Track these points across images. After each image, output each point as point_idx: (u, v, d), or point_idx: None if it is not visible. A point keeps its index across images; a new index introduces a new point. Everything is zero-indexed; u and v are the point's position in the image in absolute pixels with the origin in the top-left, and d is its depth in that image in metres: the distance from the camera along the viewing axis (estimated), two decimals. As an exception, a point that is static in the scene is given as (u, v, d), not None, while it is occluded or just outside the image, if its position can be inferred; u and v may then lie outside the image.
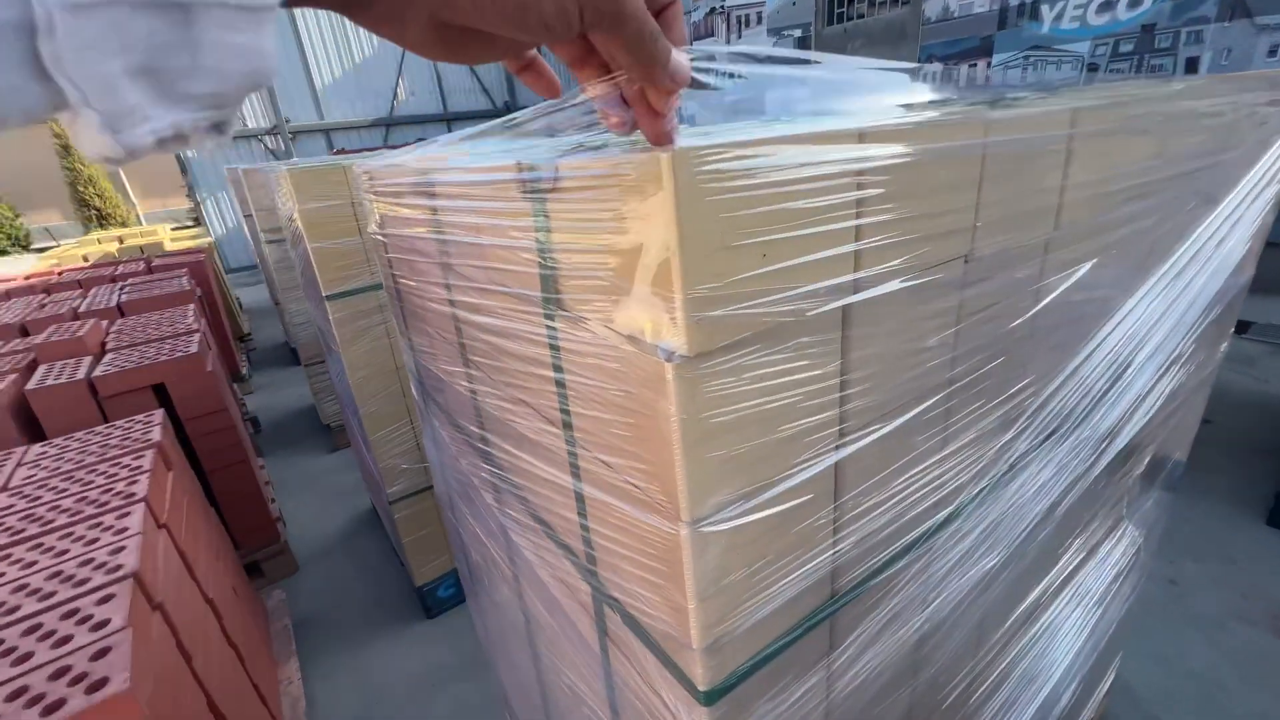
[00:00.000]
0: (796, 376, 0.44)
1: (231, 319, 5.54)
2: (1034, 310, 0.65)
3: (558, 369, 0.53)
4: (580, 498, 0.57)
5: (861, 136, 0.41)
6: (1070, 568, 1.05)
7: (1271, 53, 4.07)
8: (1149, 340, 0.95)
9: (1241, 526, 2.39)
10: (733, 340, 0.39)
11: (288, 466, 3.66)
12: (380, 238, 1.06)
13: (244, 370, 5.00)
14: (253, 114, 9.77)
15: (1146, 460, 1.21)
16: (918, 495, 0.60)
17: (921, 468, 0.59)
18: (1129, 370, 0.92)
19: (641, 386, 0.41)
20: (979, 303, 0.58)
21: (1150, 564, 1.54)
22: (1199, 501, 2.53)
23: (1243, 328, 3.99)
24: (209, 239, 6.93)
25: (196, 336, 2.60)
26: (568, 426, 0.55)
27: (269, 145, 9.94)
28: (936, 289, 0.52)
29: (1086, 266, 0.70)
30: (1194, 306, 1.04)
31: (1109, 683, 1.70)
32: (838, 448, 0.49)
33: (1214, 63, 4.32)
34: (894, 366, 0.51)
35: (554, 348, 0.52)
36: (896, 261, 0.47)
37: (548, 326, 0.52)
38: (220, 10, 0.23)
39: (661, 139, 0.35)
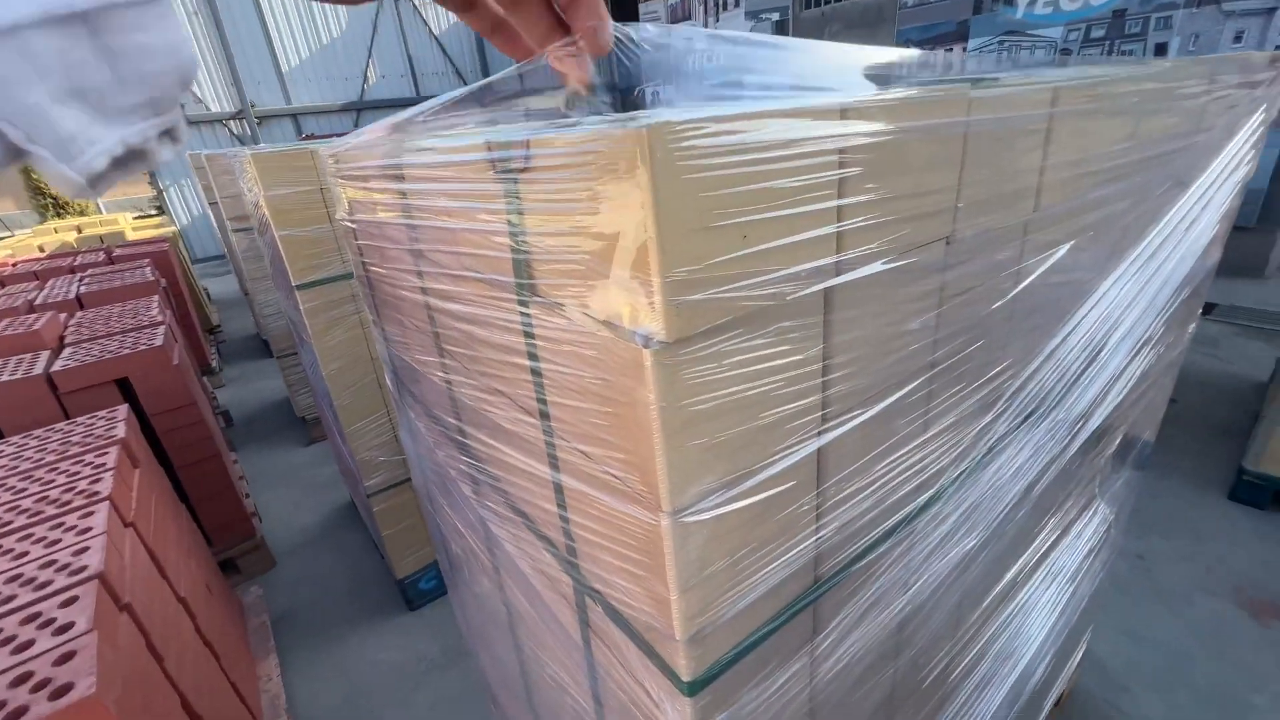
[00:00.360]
0: (778, 362, 0.43)
1: (199, 310, 5.38)
2: (1013, 292, 0.65)
3: (533, 357, 0.51)
4: (559, 489, 0.55)
5: (844, 113, 0.39)
6: (1045, 547, 1.07)
7: (1237, 38, 4.15)
8: (1122, 322, 0.96)
9: (1206, 502, 2.47)
10: (713, 325, 0.38)
11: (262, 461, 3.58)
12: (349, 224, 1.02)
13: (214, 363, 4.86)
14: (216, 98, 9.43)
15: (1118, 440, 1.24)
16: (900, 479, 0.59)
17: (903, 452, 0.59)
18: (1103, 352, 0.93)
19: (619, 374, 0.39)
20: (960, 285, 0.57)
21: (1120, 541, 1.58)
22: (1166, 479, 2.61)
23: (1207, 309, 4.11)
24: (173, 228, 6.72)
25: (161, 329, 2.51)
26: (545, 416, 0.53)
27: (234, 130, 9.62)
28: (918, 271, 0.51)
29: (1064, 249, 0.70)
30: (1165, 289, 1.06)
31: (1080, 656, 1.75)
32: (820, 433, 0.48)
33: (1182, 48, 4.40)
34: (876, 350, 0.51)
35: (529, 335, 0.50)
36: (879, 243, 0.46)
37: (522, 313, 0.50)
38: (118, 11, 0.22)
39: (605, 47, 0.38)
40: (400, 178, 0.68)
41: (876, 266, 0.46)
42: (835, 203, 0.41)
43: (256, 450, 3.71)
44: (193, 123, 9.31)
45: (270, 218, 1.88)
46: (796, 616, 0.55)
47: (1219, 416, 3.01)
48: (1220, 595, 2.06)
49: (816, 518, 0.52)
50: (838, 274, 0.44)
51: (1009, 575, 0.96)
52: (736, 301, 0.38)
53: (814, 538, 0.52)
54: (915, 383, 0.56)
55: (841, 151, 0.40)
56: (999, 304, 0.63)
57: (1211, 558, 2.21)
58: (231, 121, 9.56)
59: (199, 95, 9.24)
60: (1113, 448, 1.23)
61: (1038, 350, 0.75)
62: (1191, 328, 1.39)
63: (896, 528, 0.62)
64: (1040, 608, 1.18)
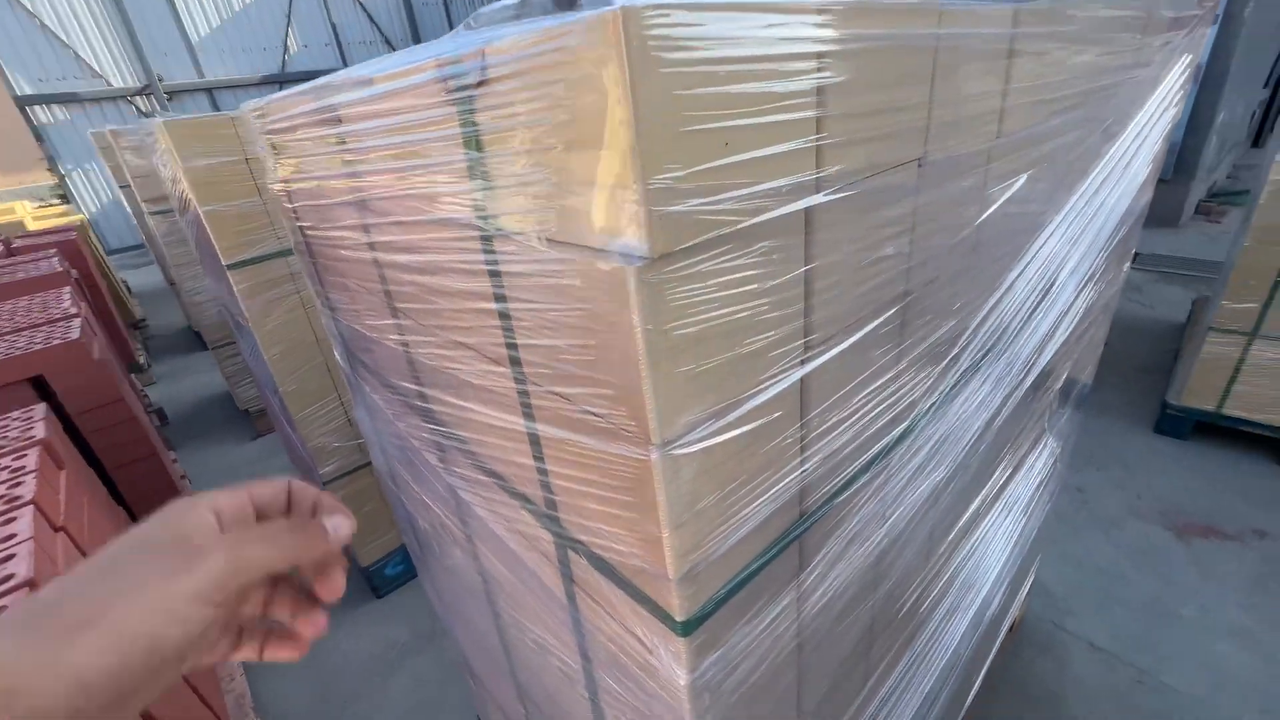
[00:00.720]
0: (762, 285, 0.41)
1: (119, 304, 5.00)
2: (978, 221, 0.65)
3: (500, 299, 0.48)
4: (535, 440, 0.53)
5: (820, 9, 0.37)
6: (1003, 480, 1.12)
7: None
8: (1071, 257, 0.99)
9: (1135, 436, 2.66)
10: (696, 241, 0.35)
11: (206, 459, 3.39)
12: (282, 188, 0.95)
13: (141, 359, 4.55)
14: (117, 72, 8.62)
15: (1064, 377, 1.30)
16: (877, 411, 0.59)
17: (880, 383, 0.59)
18: (1054, 287, 0.96)
19: (600, 299, 0.36)
20: (930, 212, 0.57)
21: (1065, 474, 1.68)
22: (1100, 416, 2.78)
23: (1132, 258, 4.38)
24: (81, 216, 6.18)
25: (77, 321, 2.31)
26: (515, 363, 0.50)
27: (142, 108, 8.84)
28: (893, 193, 0.50)
29: (1022, 179, 0.71)
30: (1106, 225, 1.10)
31: (1030, 584, 1.86)
32: (803, 362, 0.47)
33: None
34: (854, 276, 0.50)
35: (494, 274, 0.47)
36: (856, 160, 0.44)
37: (485, 252, 0.46)
38: None
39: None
40: (337, 120, 0.63)
41: (855, 185, 0.45)
42: (814, 113, 0.39)
43: (199, 448, 3.51)
44: (93, 100, 8.50)
45: (191, 193, 1.73)
46: (784, 551, 0.54)
47: (1144, 356, 3.23)
48: (1149, 519, 2.23)
49: (801, 450, 0.51)
50: (818, 191, 0.42)
51: (972, 508, 1.00)
52: (719, 215, 0.36)
53: (799, 470, 0.52)
54: (890, 312, 0.56)
55: (820, 56, 0.38)
56: (965, 233, 0.64)
57: (1140, 486, 2.39)
58: (138, 98, 8.78)
59: (97, 69, 8.43)
60: (1059, 384, 1.29)
61: (999, 283, 0.76)
62: (1126, 267, 1.46)
63: (874, 460, 0.63)
64: (998, 538, 1.24)
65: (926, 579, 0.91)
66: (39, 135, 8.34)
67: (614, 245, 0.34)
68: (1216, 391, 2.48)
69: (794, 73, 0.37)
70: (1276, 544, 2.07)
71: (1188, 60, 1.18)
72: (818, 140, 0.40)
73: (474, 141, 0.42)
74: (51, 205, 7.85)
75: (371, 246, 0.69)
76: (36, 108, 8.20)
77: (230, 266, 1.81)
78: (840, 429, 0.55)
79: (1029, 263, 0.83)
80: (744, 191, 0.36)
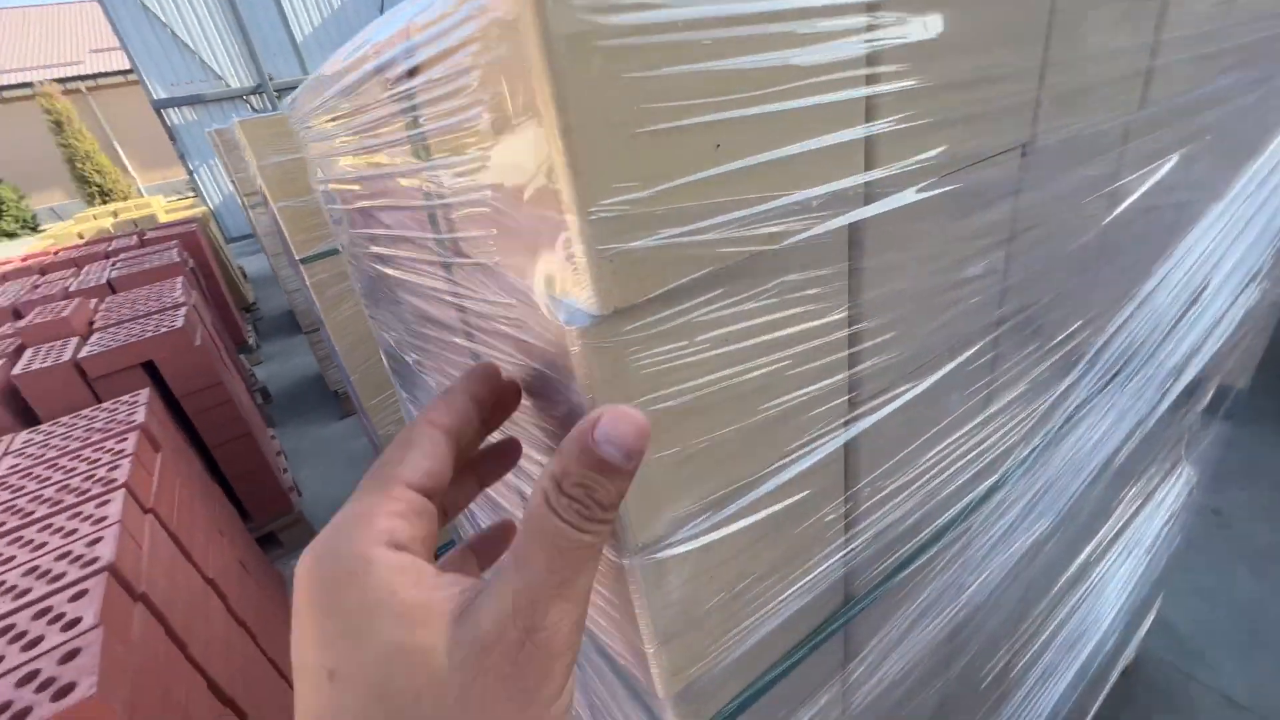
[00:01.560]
0: (784, 332, 0.30)
1: (234, 289, 5.47)
2: (1106, 221, 0.50)
3: (470, 338, 0.40)
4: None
5: (872, -59, 0.25)
6: (1123, 522, 0.93)
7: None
8: (1230, 254, 0.78)
9: (1294, 451, 2.23)
10: (676, 285, 0.25)
11: (300, 435, 3.65)
12: (319, 187, 0.92)
13: (250, 340, 4.96)
14: (235, 74, 9.39)
15: (1211, 393, 1.06)
16: (955, 469, 0.47)
17: (959, 434, 0.46)
18: (1206, 291, 0.76)
19: (546, 362, 0.27)
20: (1037, 214, 0.43)
21: (1201, 500, 1.41)
22: (1246, 425, 2.36)
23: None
24: (204, 209, 6.81)
25: (183, 310, 2.51)
26: (494, 409, 0.42)
27: (255, 105, 9.60)
28: (984, 195, 0.37)
29: (1173, 159, 0.54)
30: (1283, 209, 0.86)
31: (1150, 621, 1.60)
32: (847, 424, 0.36)
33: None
34: (925, 308, 0.37)
35: (460, 309, 0.39)
36: (930, 151, 0.32)
37: (448, 281, 0.38)
38: None
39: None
40: (333, 117, 0.57)
41: (924, 190, 0.33)
42: (864, 90, 0.28)
43: (295, 425, 3.78)
44: (215, 100, 9.32)
45: (265, 189, 1.80)
46: (824, 645, 0.43)
47: (1311, 355, 2.71)
48: (1311, 553, 1.86)
49: (845, 528, 0.40)
50: (868, 202, 0.31)
51: (1081, 558, 0.83)
52: (710, 248, 0.25)
53: (842, 552, 0.41)
54: (976, 346, 0.43)
55: (871, 8, 0.27)
56: (1087, 237, 0.49)
57: (1301, 512, 2.00)
58: (252, 96, 9.53)
59: (218, 71, 9.22)
60: (1204, 402, 1.06)
61: (1131, 294, 0.59)
62: (1302, 256, 1.18)
63: (950, 525, 0.50)
64: (1114, 584, 1.04)
65: (1017, 644, 0.76)
66: (172, 135, 9.28)
67: (558, 298, 0.24)
68: None
69: (829, 34, 0.26)
70: None
71: None
72: (867, 130, 0.29)
73: (422, 149, 0.33)
74: (185, 198, 8.73)
75: (380, 260, 0.64)
76: (170, 110, 9.11)
77: (302, 260, 1.87)
78: (901, 496, 0.43)
79: (1174, 266, 0.65)
80: (748, 212, 0.26)
